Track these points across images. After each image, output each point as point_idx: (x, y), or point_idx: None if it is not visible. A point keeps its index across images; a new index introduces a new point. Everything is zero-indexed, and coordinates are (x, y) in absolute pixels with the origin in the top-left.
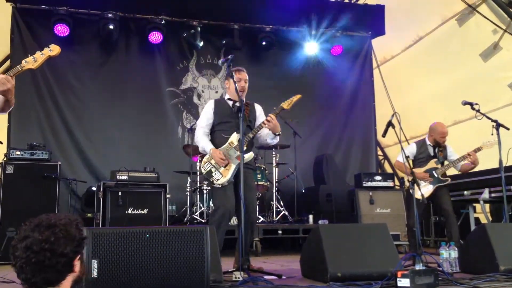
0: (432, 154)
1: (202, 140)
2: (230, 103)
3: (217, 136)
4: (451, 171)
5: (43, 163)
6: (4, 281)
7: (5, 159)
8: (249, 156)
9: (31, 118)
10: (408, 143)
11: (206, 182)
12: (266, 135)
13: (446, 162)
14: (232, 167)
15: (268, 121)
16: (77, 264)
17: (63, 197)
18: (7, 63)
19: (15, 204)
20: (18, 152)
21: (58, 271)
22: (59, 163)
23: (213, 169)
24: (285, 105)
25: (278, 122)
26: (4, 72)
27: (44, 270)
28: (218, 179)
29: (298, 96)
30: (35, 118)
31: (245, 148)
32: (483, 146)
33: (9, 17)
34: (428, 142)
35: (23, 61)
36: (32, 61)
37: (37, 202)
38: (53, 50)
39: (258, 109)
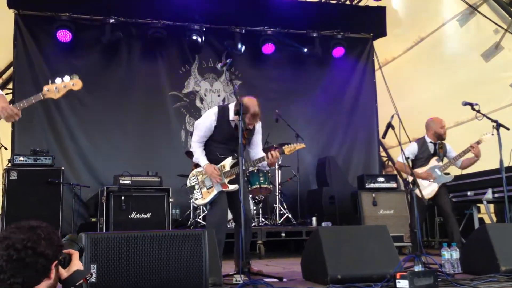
0: (432, 151)
1: (198, 152)
2: (233, 124)
3: (211, 151)
4: (455, 172)
5: (47, 169)
6: None
7: (9, 165)
8: (233, 188)
9: (34, 124)
10: None
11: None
12: (261, 164)
13: (445, 160)
14: (214, 192)
15: (271, 156)
16: (53, 271)
17: (67, 202)
18: (11, 69)
19: (19, 209)
20: (21, 158)
21: (37, 271)
22: (63, 168)
23: (196, 186)
24: (286, 150)
25: (283, 123)
26: (9, 79)
27: (24, 269)
28: (196, 199)
29: (302, 145)
30: (39, 123)
31: (234, 177)
32: (482, 139)
33: (11, 24)
34: (428, 140)
35: (45, 89)
36: (54, 92)
37: (41, 208)
38: (76, 84)
39: (257, 125)
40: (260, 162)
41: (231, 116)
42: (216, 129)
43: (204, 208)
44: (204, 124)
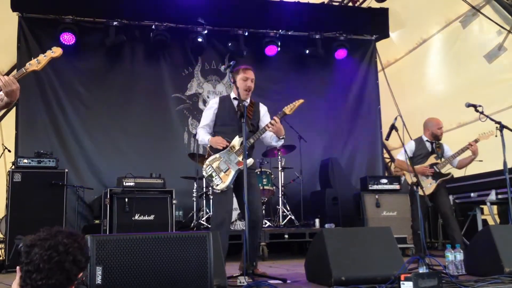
0: (430, 150)
1: (201, 135)
2: (235, 103)
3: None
4: (458, 173)
5: (51, 171)
6: None
7: (12, 167)
8: (249, 162)
9: (38, 126)
10: None
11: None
12: (271, 138)
13: (443, 159)
14: (232, 173)
15: (272, 124)
16: (74, 283)
17: (71, 204)
18: (14, 72)
19: (23, 211)
20: (25, 160)
21: (68, 278)
22: (66, 170)
23: (213, 174)
24: (288, 110)
25: (285, 124)
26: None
27: (60, 273)
28: (217, 185)
29: (301, 101)
30: (42, 126)
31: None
32: (480, 137)
33: (15, 27)
34: (425, 138)
35: (27, 64)
36: (36, 63)
37: (45, 210)
38: (55, 51)
39: (263, 109)
40: (263, 133)
41: (233, 95)
42: (218, 116)
43: (208, 210)
44: (207, 109)
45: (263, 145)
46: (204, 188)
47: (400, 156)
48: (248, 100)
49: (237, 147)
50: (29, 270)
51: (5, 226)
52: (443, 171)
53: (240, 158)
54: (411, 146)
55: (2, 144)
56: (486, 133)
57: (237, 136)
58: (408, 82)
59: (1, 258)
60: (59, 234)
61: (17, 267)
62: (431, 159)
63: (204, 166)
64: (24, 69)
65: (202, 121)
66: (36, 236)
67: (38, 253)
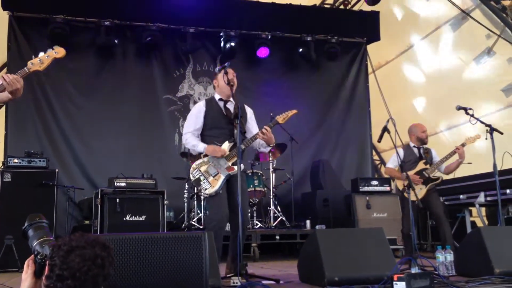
0: (418, 155)
1: (192, 140)
2: (221, 104)
3: (208, 142)
4: (447, 175)
5: (41, 171)
6: None
7: (2, 167)
8: (241, 166)
9: (28, 126)
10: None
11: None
12: (259, 145)
13: (432, 165)
14: (221, 178)
15: (263, 133)
16: None
17: (61, 204)
18: (4, 70)
19: (13, 211)
20: (15, 160)
21: None
22: (57, 170)
23: (201, 177)
24: (280, 119)
25: (277, 125)
26: None
27: (92, 284)
28: (206, 189)
29: (294, 111)
30: (32, 125)
31: (235, 159)
32: (466, 141)
33: (6, 25)
34: (411, 145)
35: (29, 63)
36: (38, 63)
37: (35, 210)
38: (59, 52)
39: (249, 112)
40: (254, 140)
41: (217, 96)
42: (207, 115)
43: (199, 211)
44: (193, 112)
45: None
46: (195, 189)
47: (389, 164)
48: (234, 101)
49: (227, 152)
50: (62, 275)
51: None
52: (432, 175)
53: (230, 163)
54: (400, 153)
55: None
56: (472, 137)
57: (227, 141)
58: (399, 84)
59: None
60: (95, 244)
61: (30, 261)
62: (421, 165)
63: (191, 169)
64: (27, 68)
65: (188, 125)
66: (70, 241)
67: (76, 262)
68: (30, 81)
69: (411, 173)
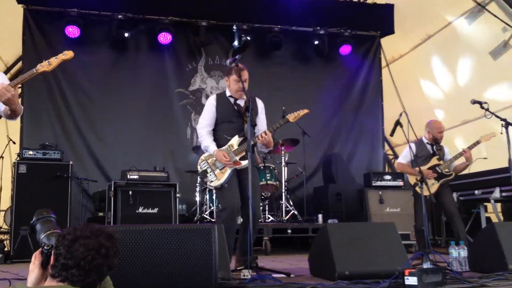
0: (431, 151)
1: (206, 140)
2: (232, 100)
3: (219, 136)
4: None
5: (55, 163)
6: (18, 278)
7: (18, 158)
8: (246, 163)
9: (43, 118)
10: None
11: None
12: (260, 146)
13: (445, 162)
14: (228, 171)
15: (262, 136)
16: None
17: (75, 196)
18: (19, 64)
19: (28, 203)
20: (30, 152)
21: (100, 279)
22: (71, 162)
23: (208, 170)
24: (291, 118)
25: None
26: (18, 73)
27: (97, 274)
28: (211, 181)
29: (306, 111)
30: (47, 118)
31: (244, 153)
32: (481, 139)
33: (21, 19)
34: (425, 141)
35: (38, 65)
36: (47, 65)
37: (50, 201)
38: (67, 54)
39: (260, 105)
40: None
41: (228, 92)
42: (218, 113)
43: (211, 204)
44: (206, 109)
45: None
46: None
47: (401, 159)
48: (245, 97)
49: (235, 147)
50: (67, 264)
51: (9, 217)
52: (445, 172)
53: (238, 158)
54: (411, 148)
55: (7, 136)
56: (488, 134)
57: (236, 136)
58: (412, 78)
59: (6, 248)
60: (100, 234)
61: (37, 253)
62: (434, 161)
63: (199, 160)
64: (35, 69)
65: (202, 120)
66: (75, 231)
67: (80, 251)
68: (45, 75)
69: (423, 168)
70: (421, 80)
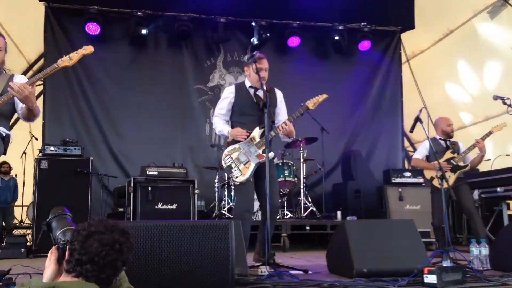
0: (445, 146)
1: (219, 125)
2: (252, 91)
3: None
4: (483, 167)
5: (76, 159)
6: (39, 272)
7: (40, 154)
8: (271, 155)
9: (64, 115)
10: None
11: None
12: (281, 136)
13: (460, 155)
14: (252, 166)
15: (283, 127)
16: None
17: (95, 192)
18: (41, 61)
19: (49, 198)
20: (52, 148)
21: (114, 275)
22: (91, 158)
23: (233, 165)
24: (310, 104)
25: (307, 115)
26: (40, 70)
27: (111, 269)
28: (237, 177)
29: (325, 96)
30: (68, 114)
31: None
32: (493, 129)
33: (42, 16)
34: (438, 137)
35: (59, 60)
36: (67, 60)
37: (71, 197)
38: (87, 49)
39: (279, 96)
40: (276, 133)
41: (248, 83)
42: (236, 104)
43: (229, 201)
44: (223, 98)
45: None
46: (226, 179)
47: (417, 154)
48: (264, 87)
49: (257, 139)
50: (81, 259)
51: (32, 212)
52: (461, 164)
53: (261, 151)
54: (426, 144)
55: (30, 132)
56: (499, 125)
57: (257, 127)
58: (433, 74)
59: (28, 243)
60: (114, 229)
61: (54, 249)
62: (448, 154)
63: (223, 156)
64: (56, 64)
65: (217, 109)
66: (89, 226)
67: (95, 247)
68: (66, 71)
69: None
70: (442, 76)
